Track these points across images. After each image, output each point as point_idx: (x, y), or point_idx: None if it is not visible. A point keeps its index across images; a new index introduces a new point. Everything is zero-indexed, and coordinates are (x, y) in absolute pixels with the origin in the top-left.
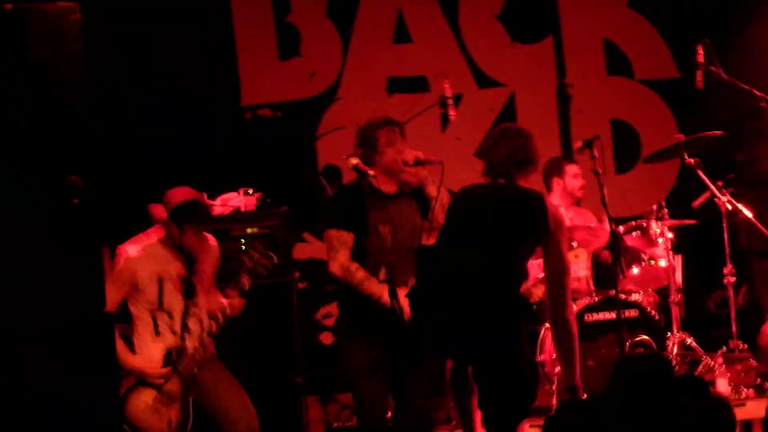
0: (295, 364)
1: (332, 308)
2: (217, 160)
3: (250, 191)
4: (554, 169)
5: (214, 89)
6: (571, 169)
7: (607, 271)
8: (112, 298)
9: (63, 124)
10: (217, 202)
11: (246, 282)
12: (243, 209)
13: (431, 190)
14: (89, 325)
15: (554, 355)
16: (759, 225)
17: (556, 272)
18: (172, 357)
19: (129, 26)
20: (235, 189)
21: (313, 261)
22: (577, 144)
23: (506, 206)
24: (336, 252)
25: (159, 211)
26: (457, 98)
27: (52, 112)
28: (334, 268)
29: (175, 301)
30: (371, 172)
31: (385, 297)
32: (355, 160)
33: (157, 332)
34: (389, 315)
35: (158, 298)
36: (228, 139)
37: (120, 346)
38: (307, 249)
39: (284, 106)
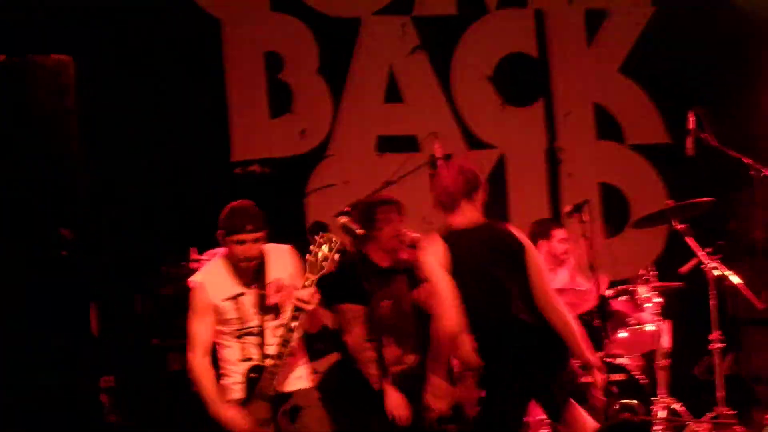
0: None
1: (318, 365)
2: (207, 215)
3: None
4: (541, 232)
5: (205, 144)
6: (558, 233)
7: (593, 334)
8: (201, 330)
9: (57, 177)
10: (205, 257)
11: (311, 278)
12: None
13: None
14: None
15: (538, 418)
16: (747, 292)
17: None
18: (251, 378)
19: (121, 79)
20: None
21: None
22: (567, 208)
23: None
24: (351, 326)
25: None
26: (447, 159)
27: (47, 165)
28: (350, 340)
29: (258, 320)
30: (359, 231)
31: (383, 385)
32: (343, 219)
33: (245, 357)
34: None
35: (238, 320)
36: (218, 194)
37: (211, 391)
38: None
39: (274, 162)
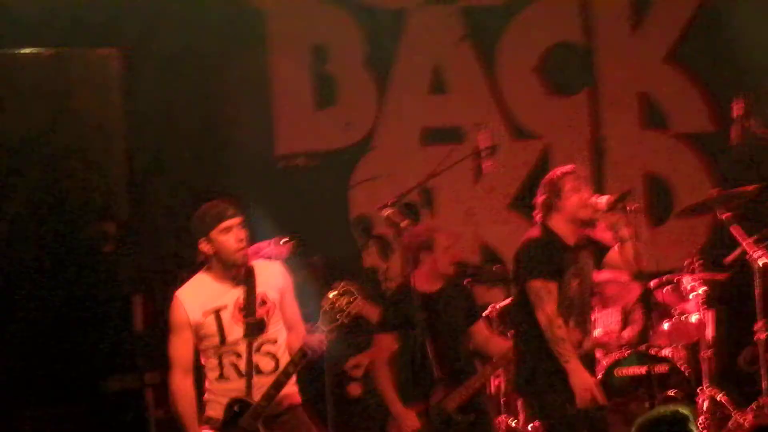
0: (327, 415)
1: (360, 359)
2: (252, 208)
3: (283, 240)
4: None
5: (250, 137)
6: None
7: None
8: (181, 349)
9: (100, 172)
10: (250, 251)
11: (323, 328)
12: (275, 258)
13: (623, 233)
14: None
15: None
16: None
17: None
18: (233, 410)
19: (166, 73)
20: (269, 238)
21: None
22: (611, 197)
23: None
24: (544, 303)
25: (199, 252)
26: (492, 150)
27: (91, 158)
28: (542, 317)
29: (238, 335)
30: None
31: (573, 364)
32: (388, 211)
33: (222, 375)
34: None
35: (219, 334)
36: (262, 187)
37: (187, 416)
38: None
39: (319, 155)
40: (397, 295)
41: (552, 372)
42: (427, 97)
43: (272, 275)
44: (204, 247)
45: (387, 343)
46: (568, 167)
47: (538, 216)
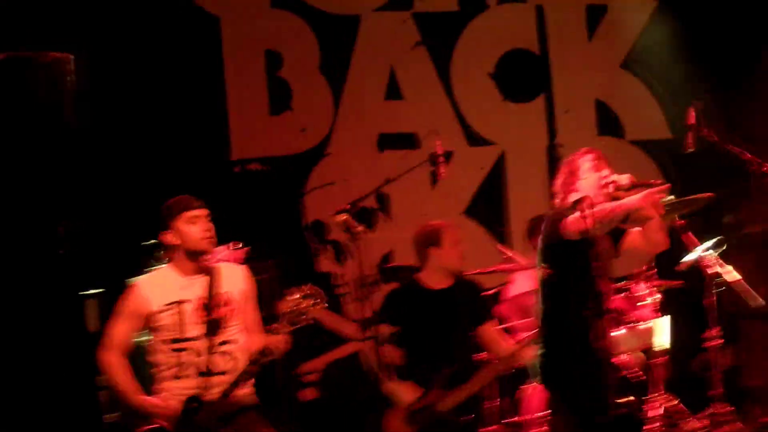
0: (280, 419)
1: (314, 364)
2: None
3: (237, 245)
4: (537, 228)
5: (204, 143)
6: None
7: None
8: (121, 333)
9: (54, 174)
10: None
11: (285, 328)
12: (231, 263)
13: (647, 211)
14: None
15: (533, 416)
16: (746, 287)
17: None
18: (191, 405)
19: (120, 77)
20: (223, 243)
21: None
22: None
23: None
24: None
25: (161, 246)
26: (448, 156)
27: (45, 161)
28: None
29: (196, 332)
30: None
31: None
32: (343, 216)
33: (180, 374)
34: None
35: (179, 327)
36: (216, 192)
37: (130, 387)
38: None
39: (274, 160)
40: (403, 289)
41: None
42: (383, 103)
43: (236, 278)
44: (168, 237)
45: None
46: (584, 149)
47: (556, 201)
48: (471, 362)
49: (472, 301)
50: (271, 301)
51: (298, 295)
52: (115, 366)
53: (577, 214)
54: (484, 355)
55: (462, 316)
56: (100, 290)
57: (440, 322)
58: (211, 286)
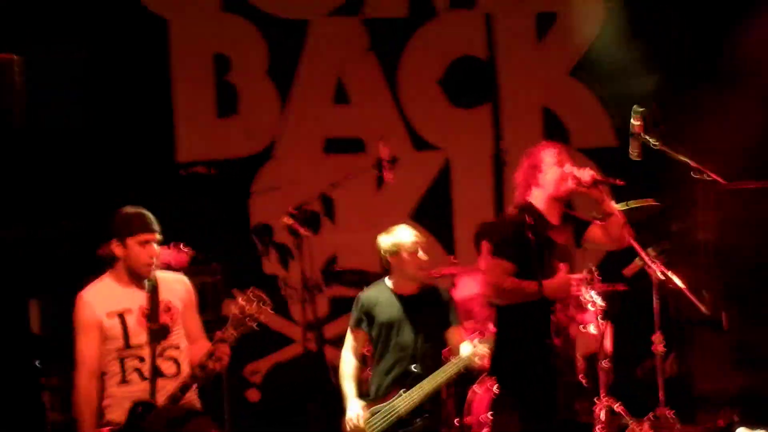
0: (224, 420)
1: (259, 365)
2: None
3: (182, 247)
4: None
5: (151, 144)
6: None
7: None
8: (89, 349)
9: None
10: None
11: (232, 333)
12: (174, 265)
13: (608, 207)
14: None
15: (481, 417)
16: (690, 294)
17: None
18: (137, 412)
19: (67, 78)
20: (166, 244)
21: None
22: (512, 209)
23: None
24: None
25: (104, 248)
26: (394, 161)
27: None
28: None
29: (142, 339)
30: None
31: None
32: (288, 220)
33: (124, 380)
34: None
35: (124, 336)
36: (162, 194)
37: (84, 419)
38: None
39: (220, 163)
40: (372, 293)
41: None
42: (330, 107)
43: (176, 286)
44: (116, 249)
45: (355, 340)
46: (546, 142)
47: (517, 194)
48: (436, 365)
49: (438, 306)
50: (216, 304)
51: (243, 300)
52: (82, 392)
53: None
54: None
55: (429, 320)
56: (44, 292)
57: (408, 327)
58: (152, 295)
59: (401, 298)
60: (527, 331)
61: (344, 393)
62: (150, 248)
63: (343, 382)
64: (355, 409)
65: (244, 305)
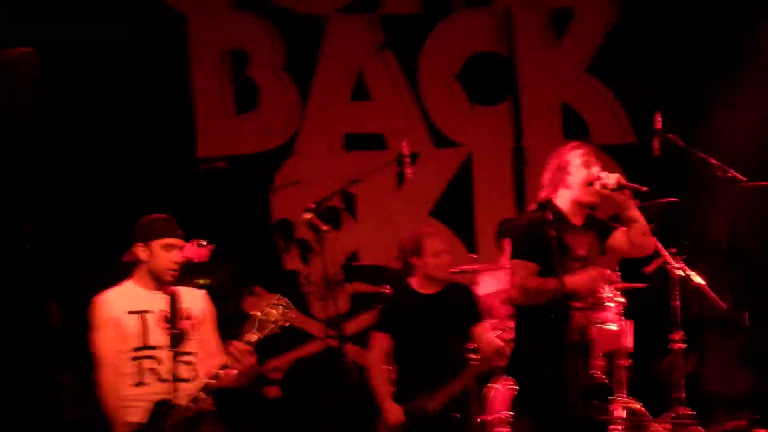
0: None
1: (279, 361)
2: (171, 211)
3: (203, 243)
4: (505, 230)
5: (170, 140)
6: None
7: None
8: (108, 346)
9: (18, 172)
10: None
11: (252, 336)
12: (195, 260)
13: (632, 213)
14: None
15: (500, 415)
16: (711, 293)
17: None
18: (158, 410)
19: (86, 74)
20: (187, 240)
21: None
22: (532, 206)
23: None
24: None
25: (129, 253)
26: (414, 157)
27: (9, 159)
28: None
29: (160, 341)
30: (325, 228)
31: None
32: (308, 215)
33: (140, 381)
34: None
35: (142, 335)
36: (182, 190)
37: (114, 414)
38: (257, 302)
39: (240, 159)
40: (396, 295)
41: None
42: (350, 104)
43: (196, 299)
44: (140, 252)
45: (382, 343)
46: (574, 143)
47: (543, 194)
48: (463, 364)
49: (463, 305)
50: (236, 299)
51: (267, 303)
52: (108, 386)
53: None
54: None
55: (453, 318)
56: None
57: (433, 327)
58: (173, 301)
59: (425, 297)
60: (546, 330)
61: (379, 395)
62: (174, 253)
63: (377, 385)
64: (394, 412)
65: (267, 310)
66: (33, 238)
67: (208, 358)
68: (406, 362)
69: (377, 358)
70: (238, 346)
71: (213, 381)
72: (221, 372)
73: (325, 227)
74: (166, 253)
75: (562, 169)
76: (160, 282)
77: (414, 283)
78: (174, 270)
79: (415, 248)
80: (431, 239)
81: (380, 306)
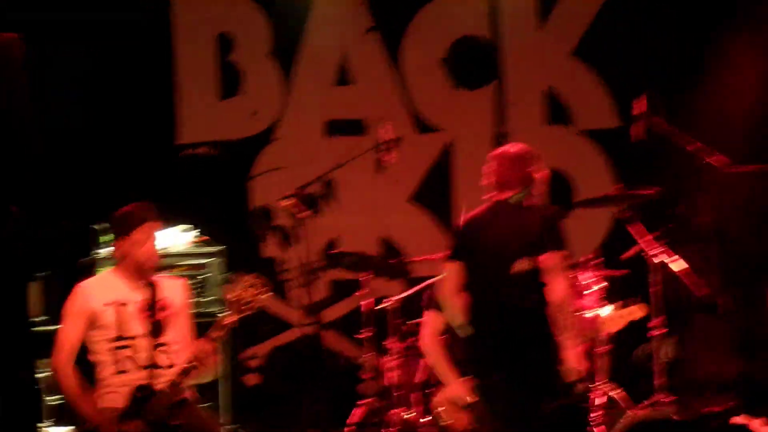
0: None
1: (258, 349)
2: (152, 197)
3: (186, 229)
4: None
5: (152, 125)
6: None
7: None
8: (71, 335)
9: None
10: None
11: (228, 318)
12: (175, 247)
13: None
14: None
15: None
16: (689, 279)
17: None
18: (137, 395)
19: (69, 59)
20: (169, 227)
21: None
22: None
23: None
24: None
25: (114, 252)
26: (395, 142)
27: None
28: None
29: (137, 331)
30: (305, 214)
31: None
32: (289, 202)
33: (119, 369)
34: None
35: (117, 326)
36: (163, 176)
37: (75, 393)
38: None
39: (221, 144)
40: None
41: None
42: (332, 89)
43: (174, 289)
44: (119, 247)
45: (435, 321)
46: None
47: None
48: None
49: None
50: (218, 286)
51: (241, 285)
52: (62, 372)
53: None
54: None
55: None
56: (45, 274)
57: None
58: (151, 292)
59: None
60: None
61: (442, 373)
62: (150, 240)
63: (437, 362)
64: (461, 390)
65: (241, 291)
66: (19, 221)
67: (184, 346)
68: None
69: (431, 337)
70: (202, 346)
71: (188, 365)
72: (195, 363)
73: (304, 214)
74: (144, 242)
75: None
76: (142, 272)
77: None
78: (153, 257)
79: None
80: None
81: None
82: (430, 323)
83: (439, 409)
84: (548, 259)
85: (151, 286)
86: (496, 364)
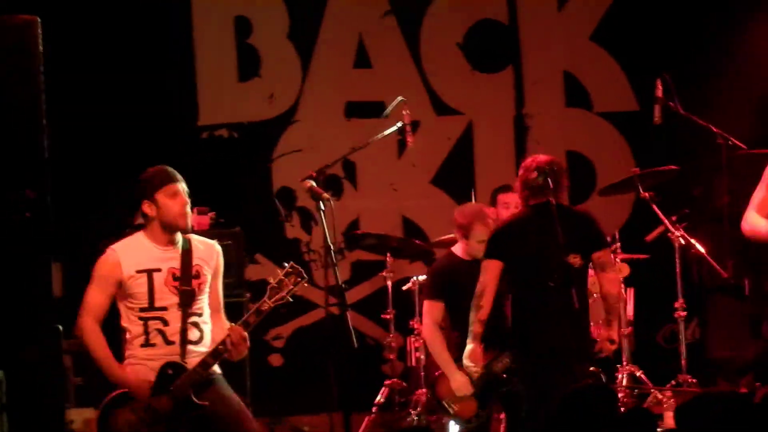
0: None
1: (282, 330)
2: None
3: (204, 210)
4: (491, 198)
5: (172, 108)
6: (502, 198)
7: None
8: (99, 298)
9: (20, 138)
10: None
11: (264, 305)
12: (196, 228)
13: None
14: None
15: None
16: (711, 260)
17: None
18: (167, 373)
19: (88, 41)
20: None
21: (265, 282)
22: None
23: None
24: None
25: (137, 215)
26: (415, 125)
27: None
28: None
29: (169, 302)
30: (326, 195)
31: None
32: (309, 183)
33: (148, 342)
34: None
35: (148, 295)
36: (183, 158)
37: (105, 355)
38: (258, 270)
39: (242, 126)
40: (444, 263)
41: None
42: (351, 71)
43: (208, 253)
44: (148, 209)
45: (435, 311)
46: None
47: None
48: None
49: None
50: (239, 267)
51: (283, 271)
52: (90, 332)
53: None
54: None
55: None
56: (66, 254)
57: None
58: (184, 258)
59: (473, 263)
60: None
61: (443, 363)
62: (180, 197)
63: (439, 352)
64: (461, 381)
65: (282, 278)
66: (36, 204)
67: (214, 315)
68: (465, 328)
69: (431, 326)
70: (237, 332)
71: (221, 347)
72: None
73: (325, 195)
74: (173, 200)
75: None
76: (173, 231)
77: (464, 248)
78: (184, 214)
79: (479, 214)
80: (480, 223)
81: (431, 274)
82: (430, 312)
83: (444, 400)
84: (603, 256)
85: (186, 251)
86: (540, 350)
